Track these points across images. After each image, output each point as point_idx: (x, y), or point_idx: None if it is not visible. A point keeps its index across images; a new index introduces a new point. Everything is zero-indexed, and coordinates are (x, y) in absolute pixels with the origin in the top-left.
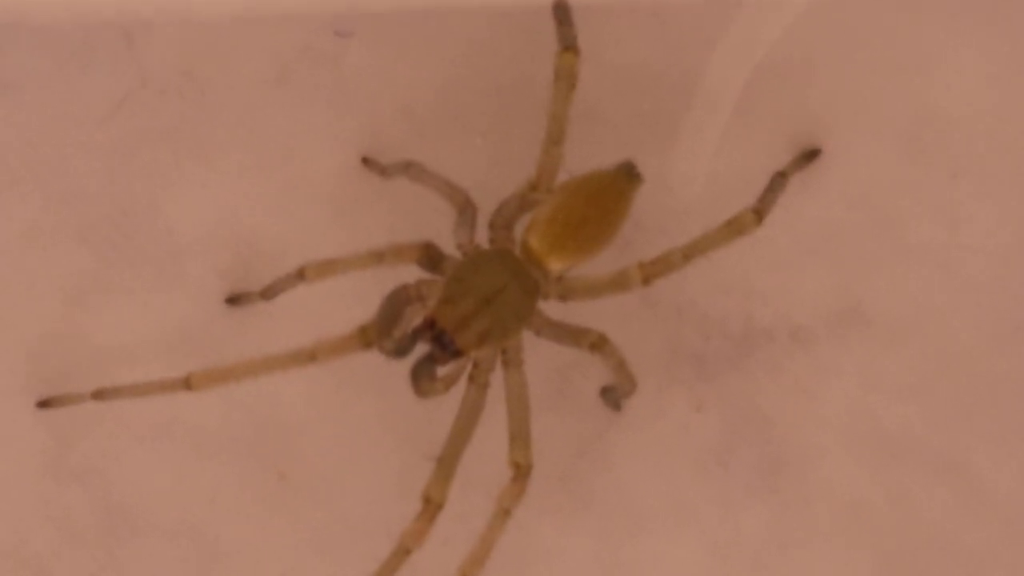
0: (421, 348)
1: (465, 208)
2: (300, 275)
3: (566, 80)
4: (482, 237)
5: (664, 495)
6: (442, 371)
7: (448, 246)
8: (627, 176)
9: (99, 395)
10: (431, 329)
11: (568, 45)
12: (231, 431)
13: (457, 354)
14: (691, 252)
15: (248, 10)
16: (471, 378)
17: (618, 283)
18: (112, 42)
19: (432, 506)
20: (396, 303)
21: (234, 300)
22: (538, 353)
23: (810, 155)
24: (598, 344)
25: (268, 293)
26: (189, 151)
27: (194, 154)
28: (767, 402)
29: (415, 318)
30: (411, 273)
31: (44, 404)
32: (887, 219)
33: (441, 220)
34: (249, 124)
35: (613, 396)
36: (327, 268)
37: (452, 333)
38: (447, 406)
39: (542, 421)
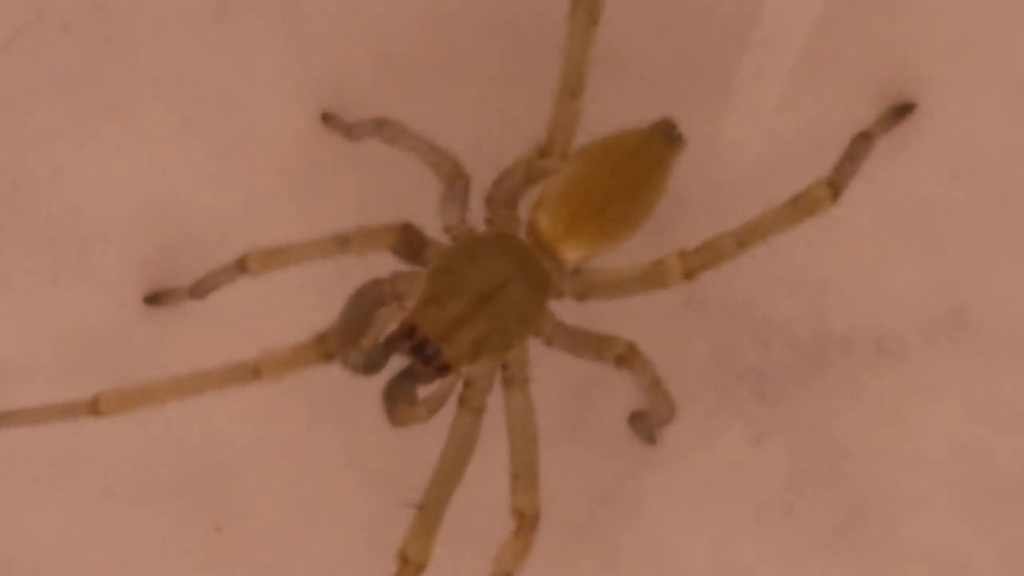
0: (397, 362)
1: (455, 179)
2: (241, 266)
3: (586, 13)
4: (477, 217)
5: (711, 552)
6: (424, 392)
7: (433, 229)
8: (665, 138)
9: None
10: (410, 337)
11: None
12: (152, 470)
13: (444, 370)
14: (747, 237)
15: None
16: (462, 401)
17: (652, 277)
18: None
19: (411, 568)
20: (365, 303)
21: (156, 299)
22: (549, 368)
23: (901, 111)
24: (627, 356)
25: (200, 290)
26: (99, 105)
27: (106, 109)
28: (845, 432)
29: (389, 323)
30: (385, 264)
31: None
32: (999, 196)
33: (424, 195)
34: (178, 71)
35: (646, 424)
36: (276, 257)
37: (437, 342)
38: (431, 437)
39: (554, 456)
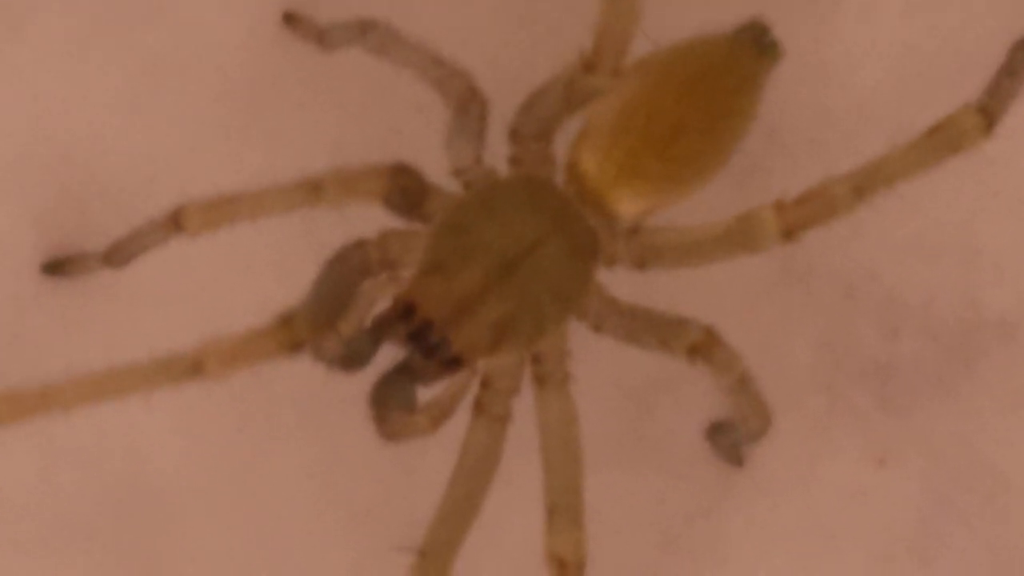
0: (389, 353)
1: (467, 104)
2: (175, 223)
3: None
4: (498, 155)
5: None
6: (427, 394)
7: (437, 171)
8: (753, 47)
9: None
10: (407, 319)
11: None
12: (61, 507)
13: (453, 364)
14: (867, 184)
15: None
16: (478, 406)
17: (738, 238)
18: None
19: None
20: (344, 273)
21: (58, 267)
22: (598, 363)
23: None
24: (704, 346)
25: (118, 255)
26: None
27: None
28: (1000, 450)
29: (378, 300)
30: (371, 220)
31: None
32: None
33: (424, 126)
34: None
35: (729, 439)
36: (222, 211)
37: (444, 326)
38: (436, 456)
39: (604, 483)
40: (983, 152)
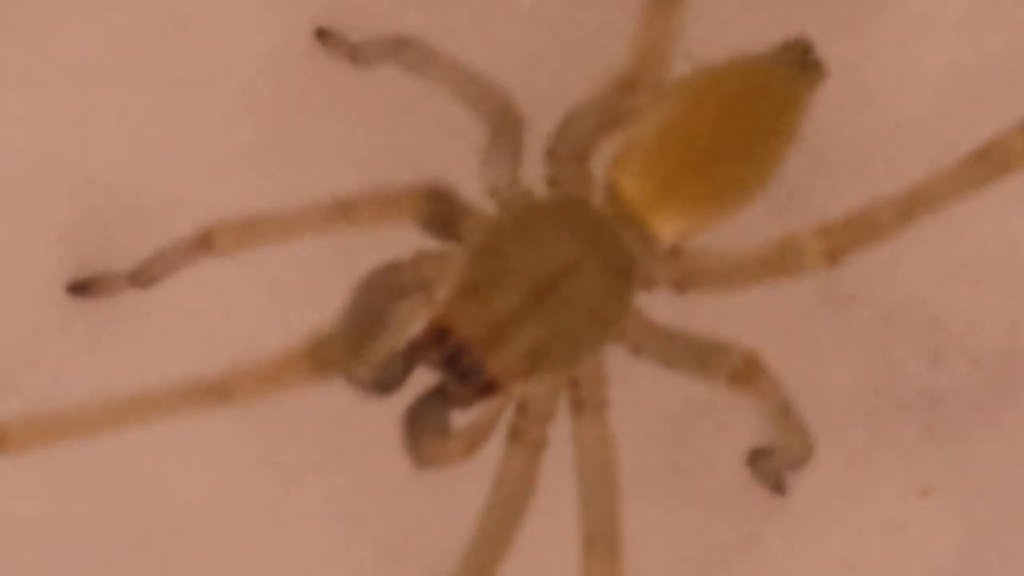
0: (423, 378)
1: (503, 123)
2: (206, 243)
3: None
4: (535, 175)
5: None
6: (461, 419)
7: (472, 192)
8: (795, 66)
9: None
10: (441, 343)
11: None
12: (79, 541)
13: (488, 389)
14: (911, 208)
15: None
16: (513, 433)
17: (780, 262)
18: None
19: None
20: (377, 296)
21: (84, 288)
22: (636, 389)
23: None
24: (745, 372)
25: (146, 275)
26: (1, 26)
27: (9, 31)
28: None
29: (412, 323)
30: (404, 242)
31: None
32: None
33: (459, 146)
34: None
35: (771, 467)
36: (253, 232)
37: (479, 350)
38: (469, 485)
39: (644, 513)
40: None
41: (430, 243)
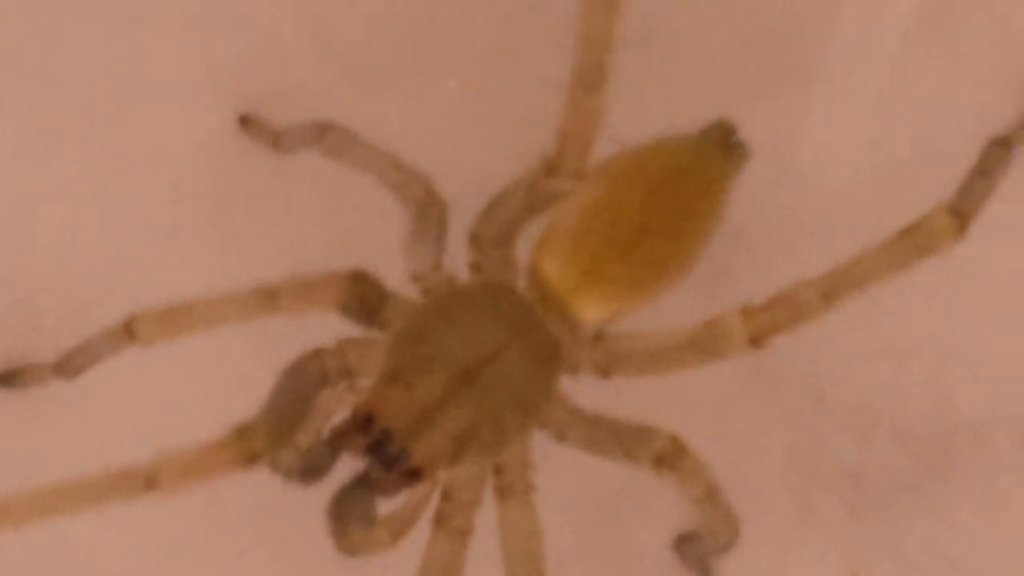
0: (348, 465)
1: (426, 208)
2: (127, 332)
3: None
4: (458, 260)
5: None
6: (387, 507)
7: (395, 278)
8: (719, 148)
9: None
10: (366, 430)
11: None
12: None
13: (413, 475)
14: (836, 288)
15: None
16: (438, 520)
17: (705, 344)
18: None
19: None
20: (301, 383)
21: (8, 379)
22: (562, 474)
23: None
24: (670, 456)
25: (70, 366)
26: None
27: None
28: (977, 562)
29: (336, 410)
30: (328, 328)
31: None
32: None
33: (381, 231)
34: (40, 55)
35: (698, 551)
36: (176, 320)
37: (404, 437)
38: (396, 570)
39: None
40: (955, 253)
41: (354, 330)
